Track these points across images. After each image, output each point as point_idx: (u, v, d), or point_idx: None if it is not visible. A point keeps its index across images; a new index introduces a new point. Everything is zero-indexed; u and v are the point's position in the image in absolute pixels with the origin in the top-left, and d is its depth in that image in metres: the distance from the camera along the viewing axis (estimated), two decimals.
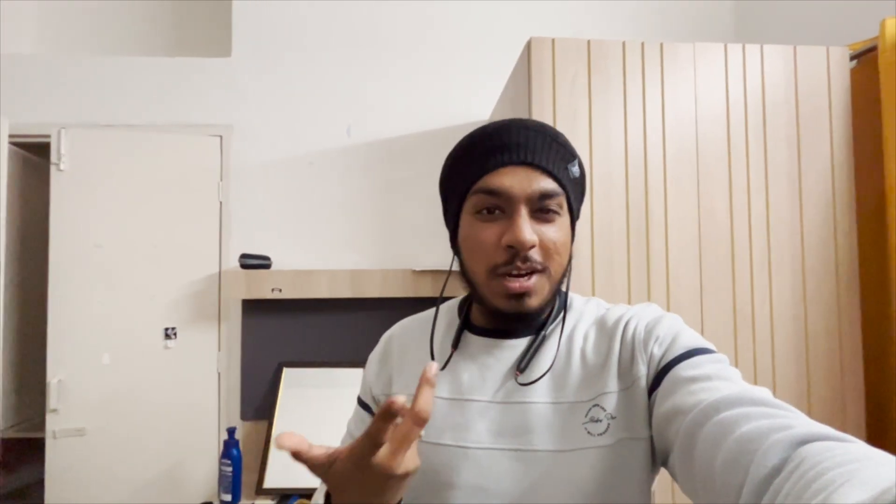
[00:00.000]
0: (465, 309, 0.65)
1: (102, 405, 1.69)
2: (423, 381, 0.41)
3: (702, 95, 1.27)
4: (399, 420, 0.39)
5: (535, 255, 0.54)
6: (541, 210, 0.55)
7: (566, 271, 0.58)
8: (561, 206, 0.56)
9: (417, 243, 1.86)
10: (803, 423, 0.36)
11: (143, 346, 1.73)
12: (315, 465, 0.41)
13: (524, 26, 1.86)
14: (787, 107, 1.28)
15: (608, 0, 1.97)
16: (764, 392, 0.44)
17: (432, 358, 0.61)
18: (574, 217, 0.59)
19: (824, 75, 1.28)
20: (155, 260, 1.76)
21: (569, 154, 0.57)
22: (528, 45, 1.24)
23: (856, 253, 1.27)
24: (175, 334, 1.76)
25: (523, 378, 0.56)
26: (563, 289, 0.61)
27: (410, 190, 1.87)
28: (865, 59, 1.31)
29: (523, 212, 0.54)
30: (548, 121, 1.21)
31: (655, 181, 1.24)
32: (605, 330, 0.58)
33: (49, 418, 1.65)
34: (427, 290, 1.76)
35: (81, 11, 2.04)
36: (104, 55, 1.87)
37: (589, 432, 0.52)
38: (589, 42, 1.24)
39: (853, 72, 1.31)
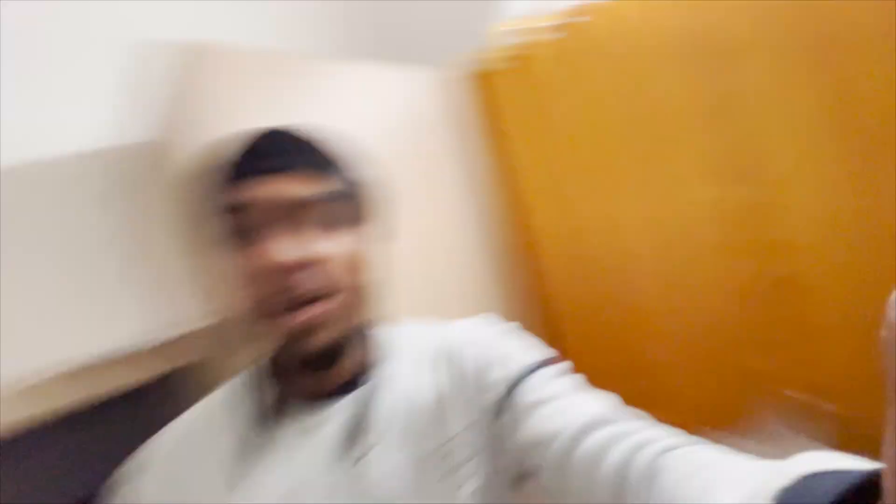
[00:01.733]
0: (259, 385, 0.51)
1: None
2: None
3: (351, 114, 1.19)
4: None
5: (309, 279, 0.44)
6: (312, 221, 0.45)
7: (365, 295, 0.49)
8: (337, 217, 0.47)
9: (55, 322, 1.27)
10: (652, 436, 0.40)
11: None
12: None
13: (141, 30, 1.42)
14: (432, 121, 1.37)
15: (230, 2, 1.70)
16: (609, 402, 0.46)
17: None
18: (372, 229, 0.52)
19: (444, 91, 1.41)
20: None
21: (331, 157, 0.49)
22: (181, 54, 1.02)
23: (508, 248, 1.44)
24: None
25: (355, 456, 0.47)
26: (371, 322, 0.52)
27: (25, 245, 1.25)
28: (477, 72, 1.47)
29: (278, 227, 0.44)
30: (199, 138, 1.02)
31: None
32: (437, 363, 0.52)
33: None
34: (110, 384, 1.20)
35: None
36: None
37: (451, 485, 0.47)
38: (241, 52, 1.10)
39: (465, 84, 1.46)
